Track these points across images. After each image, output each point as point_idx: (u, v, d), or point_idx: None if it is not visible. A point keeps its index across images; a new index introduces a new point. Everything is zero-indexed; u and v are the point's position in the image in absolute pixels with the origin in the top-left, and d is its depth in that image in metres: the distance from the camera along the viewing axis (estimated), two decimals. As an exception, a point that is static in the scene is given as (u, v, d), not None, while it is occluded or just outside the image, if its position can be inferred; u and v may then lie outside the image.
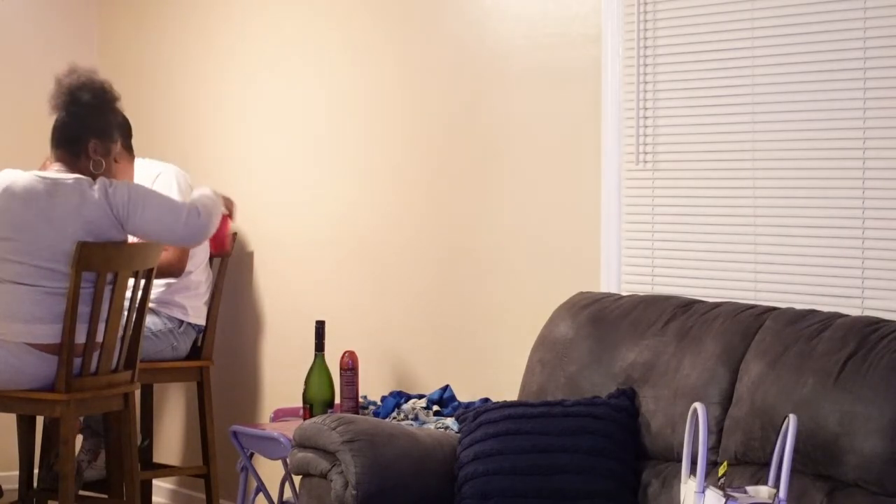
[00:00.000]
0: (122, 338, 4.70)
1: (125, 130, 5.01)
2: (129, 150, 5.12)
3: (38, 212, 4.51)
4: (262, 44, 5.50)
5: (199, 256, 5.36)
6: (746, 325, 3.47)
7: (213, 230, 4.73)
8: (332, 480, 3.54)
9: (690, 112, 3.93)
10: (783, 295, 3.65)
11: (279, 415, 4.53)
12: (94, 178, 4.60)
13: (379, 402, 4.35)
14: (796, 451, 2.99)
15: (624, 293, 4.00)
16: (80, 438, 5.24)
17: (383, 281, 4.92)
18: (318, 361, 4.28)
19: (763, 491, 2.99)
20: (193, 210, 4.66)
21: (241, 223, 5.55)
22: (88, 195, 4.53)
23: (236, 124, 5.63)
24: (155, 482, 5.69)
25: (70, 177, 4.58)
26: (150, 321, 5.11)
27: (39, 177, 4.59)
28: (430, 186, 4.75)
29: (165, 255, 5.08)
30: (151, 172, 5.32)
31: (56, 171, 4.61)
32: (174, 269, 5.20)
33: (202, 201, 4.72)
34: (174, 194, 5.25)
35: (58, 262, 4.48)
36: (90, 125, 4.67)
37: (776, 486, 2.98)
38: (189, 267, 5.27)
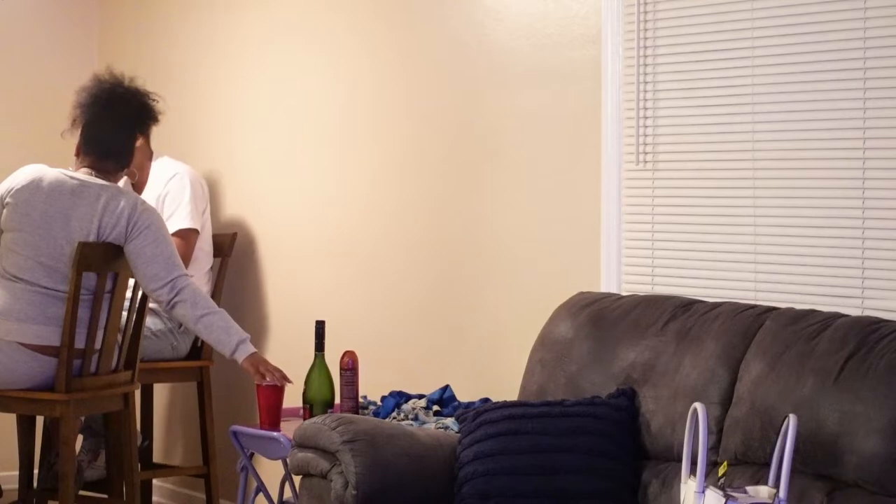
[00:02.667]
0: (122, 338, 4.71)
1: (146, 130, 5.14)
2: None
3: (59, 209, 4.52)
4: (263, 45, 5.50)
5: (202, 263, 5.35)
6: (746, 325, 3.48)
7: (186, 323, 4.60)
8: (332, 480, 3.54)
9: (690, 112, 3.93)
10: (783, 295, 3.65)
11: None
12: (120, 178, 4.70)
13: (379, 402, 4.35)
14: (796, 451, 2.99)
15: (624, 293, 4.00)
16: (80, 438, 5.24)
17: (383, 281, 4.92)
18: (318, 361, 4.28)
19: (763, 491, 2.99)
20: (189, 287, 4.55)
21: (241, 223, 5.55)
22: (112, 204, 4.55)
23: (236, 124, 5.63)
24: (155, 482, 5.69)
25: (97, 182, 4.59)
26: (151, 321, 5.11)
27: (67, 175, 4.59)
28: (430, 186, 4.75)
29: None
30: (167, 172, 5.33)
31: (84, 174, 4.62)
32: None
33: (213, 309, 4.56)
34: (185, 197, 5.25)
35: (61, 262, 4.48)
36: (118, 151, 4.68)
37: (776, 486, 2.98)
38: (192, 271, 5.27)
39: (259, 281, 5.49)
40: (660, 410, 3.55)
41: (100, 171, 4.63)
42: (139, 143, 5.30)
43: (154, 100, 4.78)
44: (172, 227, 5.18)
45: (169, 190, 5.27)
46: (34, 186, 4.55)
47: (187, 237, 5.23)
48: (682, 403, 3.46)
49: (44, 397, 4.52)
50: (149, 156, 5.44)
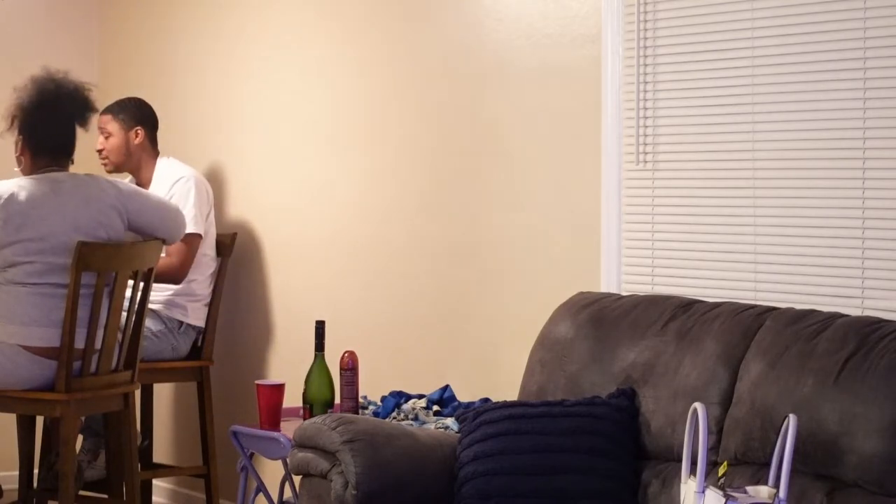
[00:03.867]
0: (122, 338, 4.71)
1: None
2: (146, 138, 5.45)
3: (49, 209, 4.56)
4: (264, 45, 5.49)
5: (205, 266, 5.36)
6: (746, 325, 3.47)
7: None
8: (332, 480, 3.54)
9: (690, 112, 3.93)
10: (783, 295, 3.65)
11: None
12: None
13: (379, 402, 4.35)
14: (796, 451, 2.99)
15: (624, 293, 4.00)
16: (80, 438, 5.24)
17: (383, 281, 4.92)
18: (318, 361, 4.28)
19: (763, 491, 2.99)
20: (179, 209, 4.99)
21: (241, 223, 5.55)
22: (95, 187, 4.65)
23: (236, 125, 5.63)
24: (155, 482, 5.69)
25: (66, 174, 4.68)
26: (150, 322, 5.11)
27: (36, 179, 4.62)
28: (430, 186, 4.75)
29: (168, 261, 5.10)
30: (173, 175, 5.33)
31: (48, 172, 4.65)
32: (177, 276, 5.21)
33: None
34: (190, 202, 5.26)
35: (67, 255, 4.51)
36: (69, 145, 4.78)
37: (776, 486, 2.98)
38: (195, 275, 5.28)
39: (259, 281, 5.49)
40: (660, 410, 3.55)
41: (58, 165, 4.72)
42: (140, 140, 5.36)
43: (90, 90, 4.85)
44: None
45: (174, 193, 5.27)
46: (13, 199, 4.57)
47: (190, 242, 5.23)
48: (682, 403, 3.46)
49: (44, 397, 4.52)
50: (152, 155, 5.44)
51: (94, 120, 4.96)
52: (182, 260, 5.19)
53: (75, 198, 4.59)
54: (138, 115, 5.43)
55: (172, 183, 5.29)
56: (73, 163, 4.80)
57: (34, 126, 4.69)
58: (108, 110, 5.42)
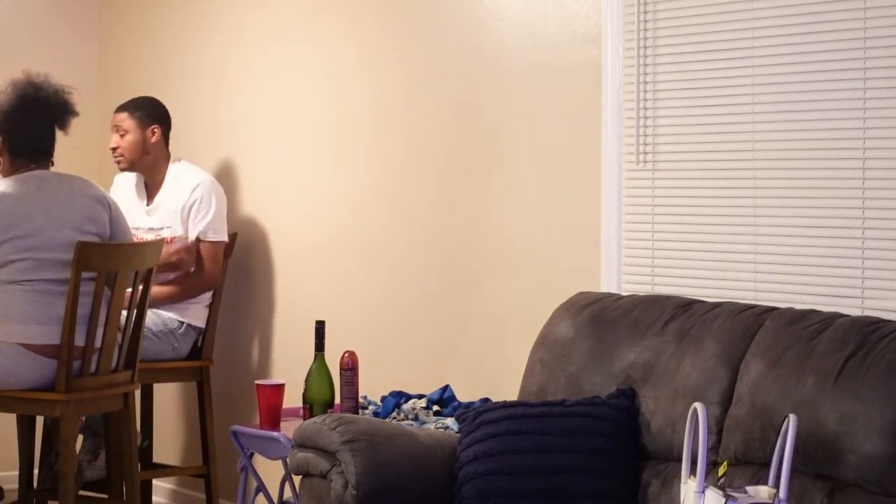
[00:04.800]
0: (122, 338, 4.72)
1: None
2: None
3: (35, 208, 4.60)
4: (262, 46, 5.49)
5: None
6: (746, 325, 3.47)
7: None
8: (332, 480, 3.54)
9: (690, 112, 3.93)
10: (783, 295, 3.65)
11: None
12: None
13: (379, 402, 4.35)
14: (796, 451, 2.99)
15: (624, 293, 4.00)
16: (80, 438, 5.24)
17: (383, 281, 4.92)
18: (318, 361, 4.28)
19: (763, 491, 2.99)
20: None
21: (241, 223, 5.55)
22: (81, 182, 4.73)
23: (237, 125, 5.63)
24: (155, 482, 5.69)
25: (48, 172, 4.72)
26: (151, 321, 5.11)
27: (19, 179, 4.66)
28: (430, 187, 4.75)
29: (211, 269, 5.15)
30: (189, 181, 5.31)
31: (27, 171, 4.69)
32: (215, 283, 5.27)
33: None
34: (212, 211, 5.27)
35: (59, 250, 4.53)
36: (48, 148, 4.80)
37: (776, 486, 2.98)
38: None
39: (259, 281, 5.49)
40: (660, 410, 3.55)
41: (37, 165, 4.75)
42: (157, 139, 5.35)
43: (70, 93, 4.86)
44: (208, 237, 5.24)
45: (195, 199, 5.27)
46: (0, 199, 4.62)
47: (219, 248, 5.29)
48: (682, 403, 3.46)
49: (44, 397, 4.52)
50: (166, 156, 5.43)
51: (73, 123, 4.95)
52: (216, 267, 5.24)
53: (61, 193, 4.64)
54: (155, 113, 5.41)
55: (191, 190, 5.28)
56: (52, 164, 4.82)
57: (13, 129, 4.73)
58: (124, 108, 5.40)
